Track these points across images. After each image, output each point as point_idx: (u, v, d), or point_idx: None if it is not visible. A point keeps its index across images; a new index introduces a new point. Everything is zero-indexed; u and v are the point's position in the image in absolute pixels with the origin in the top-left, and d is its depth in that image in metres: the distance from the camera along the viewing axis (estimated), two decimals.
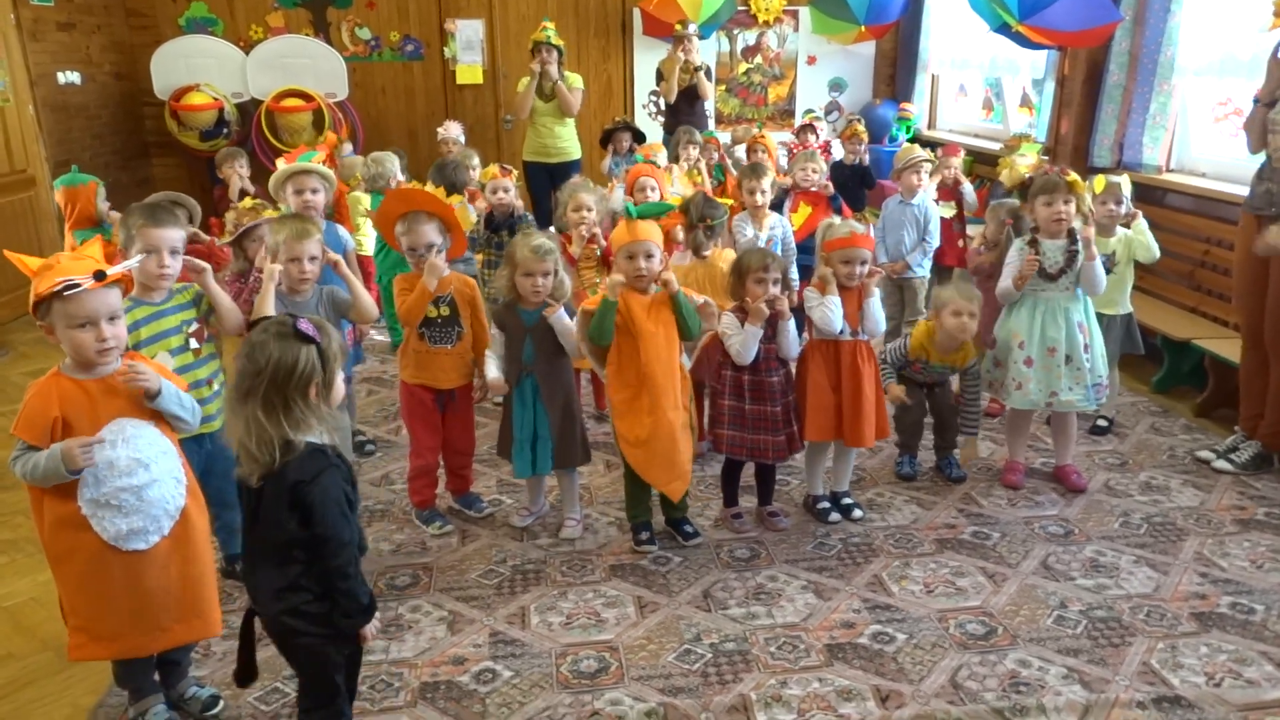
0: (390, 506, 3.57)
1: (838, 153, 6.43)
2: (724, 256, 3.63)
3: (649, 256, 2.96)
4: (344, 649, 1.96)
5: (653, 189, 4.29)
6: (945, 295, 3.50)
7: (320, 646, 1.91)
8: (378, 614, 1.98)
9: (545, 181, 6.16)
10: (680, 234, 3.87)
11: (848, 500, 3.45)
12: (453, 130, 6.20)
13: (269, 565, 1.85)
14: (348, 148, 5.96)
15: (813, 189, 5.04)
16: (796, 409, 3.25)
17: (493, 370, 3.17)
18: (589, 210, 4.03)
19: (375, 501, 3.62)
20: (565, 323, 3.08)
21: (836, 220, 3.39)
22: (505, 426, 3.23)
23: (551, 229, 4.30)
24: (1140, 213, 3.97)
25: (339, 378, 1.92)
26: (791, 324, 3.15)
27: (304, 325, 1.84)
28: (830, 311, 3.19)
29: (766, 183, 4.36)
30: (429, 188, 3.51)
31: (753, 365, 3.13)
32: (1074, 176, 3.44)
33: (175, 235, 2.66)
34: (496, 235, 4.30)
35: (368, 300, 3.05)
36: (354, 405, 4.13)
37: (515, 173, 4.47)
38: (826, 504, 3.42)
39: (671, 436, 2.97)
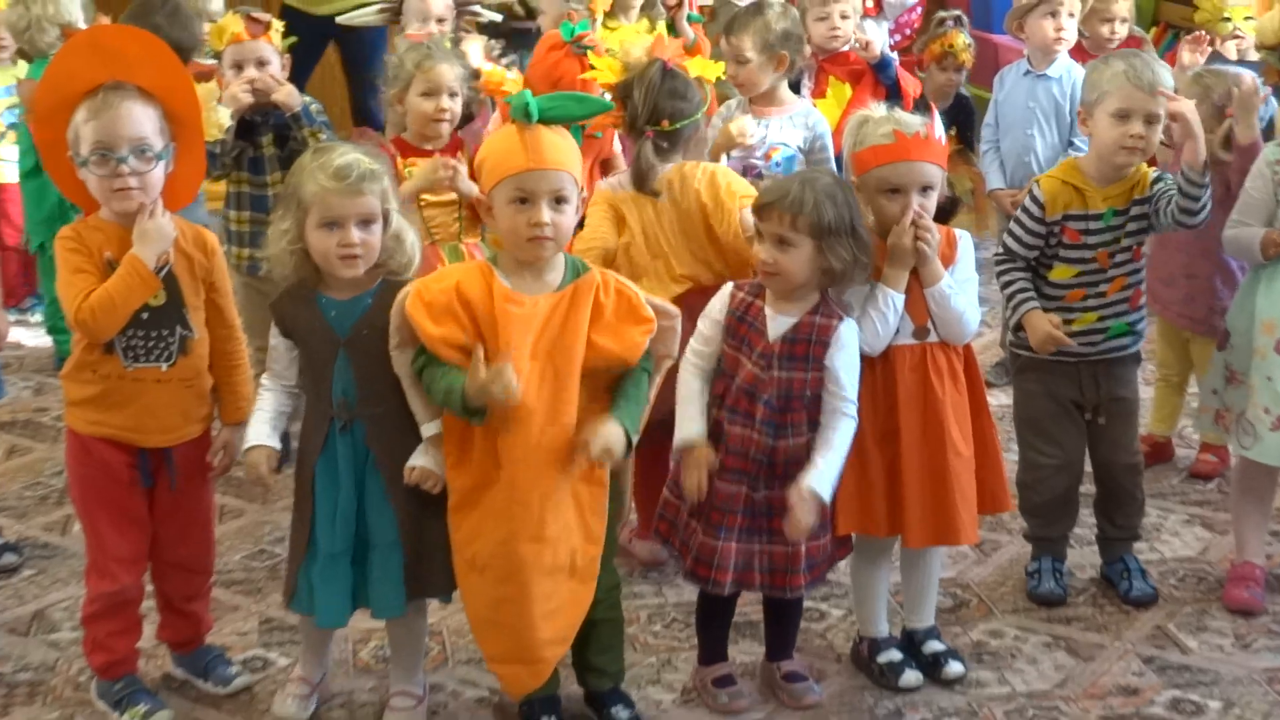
0: (48, 675, 3.49)
1: None
2: (701, 177, 3.66)
3: (559, 202, 2.94)
4: None
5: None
6: (1106, 77, 3.55)
7: None
8: None
9: (317, 47, 6.07)
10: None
11: (936, 645, 3.47)
12: None
13: None
14: None
15: (846, 49, 5.01)
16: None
17: (260, 429, 3.11)
18: (451, 95, 4.01)
19: (17, 666, 3.53)
20: None
21: (877, 110, 3.38)
22: (300, 527, 3.16)
23: (369, 135, 4.34)
24: None
25: None
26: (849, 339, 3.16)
27: None
28: (880, 319, 3.20)
29: (746, 43, 4.39)
30: None
31: (723, 388, 3.16)
32: None
33: None
34: (254, 147, 4.28)
35: None
36: None
37: (278, 29, 4.45)
38: (896, 654, 3.42)
39: (521, 583, 2.96)
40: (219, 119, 4.25)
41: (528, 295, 2.94)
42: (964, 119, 6.10)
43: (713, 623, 3.38)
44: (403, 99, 4.07)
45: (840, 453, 3.13)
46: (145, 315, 3.12)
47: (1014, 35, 5.26)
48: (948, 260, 3.25)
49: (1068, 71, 5.01)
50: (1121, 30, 5.46)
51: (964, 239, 3.32)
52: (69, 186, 3.20)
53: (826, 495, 3.09)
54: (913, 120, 3.25)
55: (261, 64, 4.31)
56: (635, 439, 3.01)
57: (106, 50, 3.14)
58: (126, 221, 3.10)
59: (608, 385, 3.03)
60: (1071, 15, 4.99)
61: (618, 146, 4.04)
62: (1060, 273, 3.61)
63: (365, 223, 3.02)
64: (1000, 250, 3.68)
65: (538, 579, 2.96)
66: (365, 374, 3.07)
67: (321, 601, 3.13)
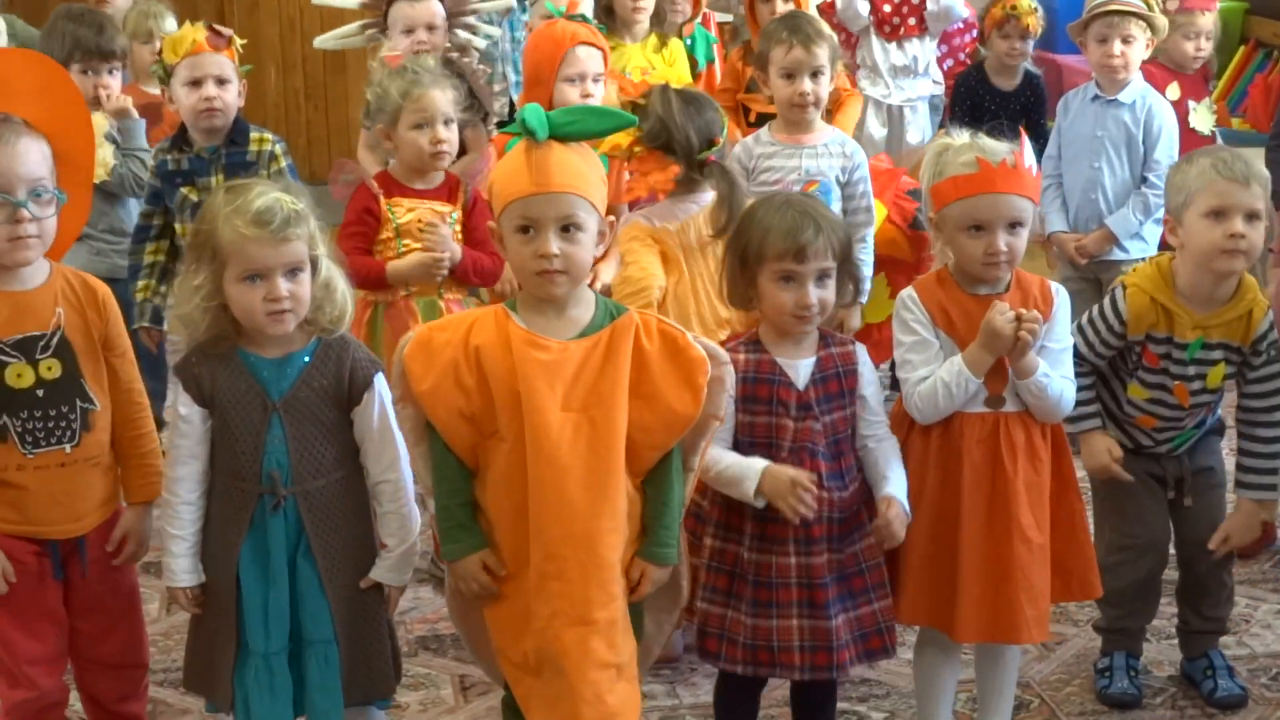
0: None
1: None
2: None
3: (568, 232, 2.84)
4: None
5: (590, 84, 4.41)
6: (1192, 175, 3.43)
7: None
8: None
9: None
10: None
11: None
12: None
13: None
14: None
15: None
16: (887, 565, 3.21)
17: (184, 563, 3.03)
18: (446, 123, 4.03)
19: None
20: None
21: (959, 136, 3.30)
22: (213, 625, 3.05)
23: (349, 168, 4.24)
24: None
25: None
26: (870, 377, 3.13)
27: None
28: (944, 393, 3.14)
29: (824, 54, 4.42)
30: None
31: (765, 458, 3.08)
32: None
33: None
34: (193, 186, 4.21)
35: None
36: None
37: (239, 48, 4.39)
38: None
39: (569, 675, 2.82)
40: (104, 156, 4.27)
41: (554, 339, 2.84)
42: (1034, 103, 6.00)
43: (735, 713, 3.30)
44: (391, 134, 4.05)
45: (902, 470, 3.16)
46: (40, 393, 3.03)
47: (1080, 48, 5.17)
48: (1018, 352, 3.13)
49: (1142, 97, 4.95)
50: (1207, 48, 5.39)
51: (1060, 294, 3.23)
52: None
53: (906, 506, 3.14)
54: (999, 147, 3.16)
55: (221, 82, 4.27)
56: (677, 555, 2.97)
57: None
58: (7, 282, 3.03)
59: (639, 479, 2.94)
60: (1129, 41, 4.88)
61: None
62: (1135, 391, 3.55)
63: (293, 272, 2.91)
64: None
65: (589, 671, 2.82)
66: (303, 443, 2.98)
67: (260, 710, 2.99)
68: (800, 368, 3.08)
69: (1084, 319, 3.58)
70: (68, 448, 3.07)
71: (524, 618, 2.85)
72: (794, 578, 3.07)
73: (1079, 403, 3.45)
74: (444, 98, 4.04)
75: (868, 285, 4.44)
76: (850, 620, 3.12)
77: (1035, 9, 6.00)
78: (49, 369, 3.04)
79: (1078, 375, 3.46)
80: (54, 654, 3.17)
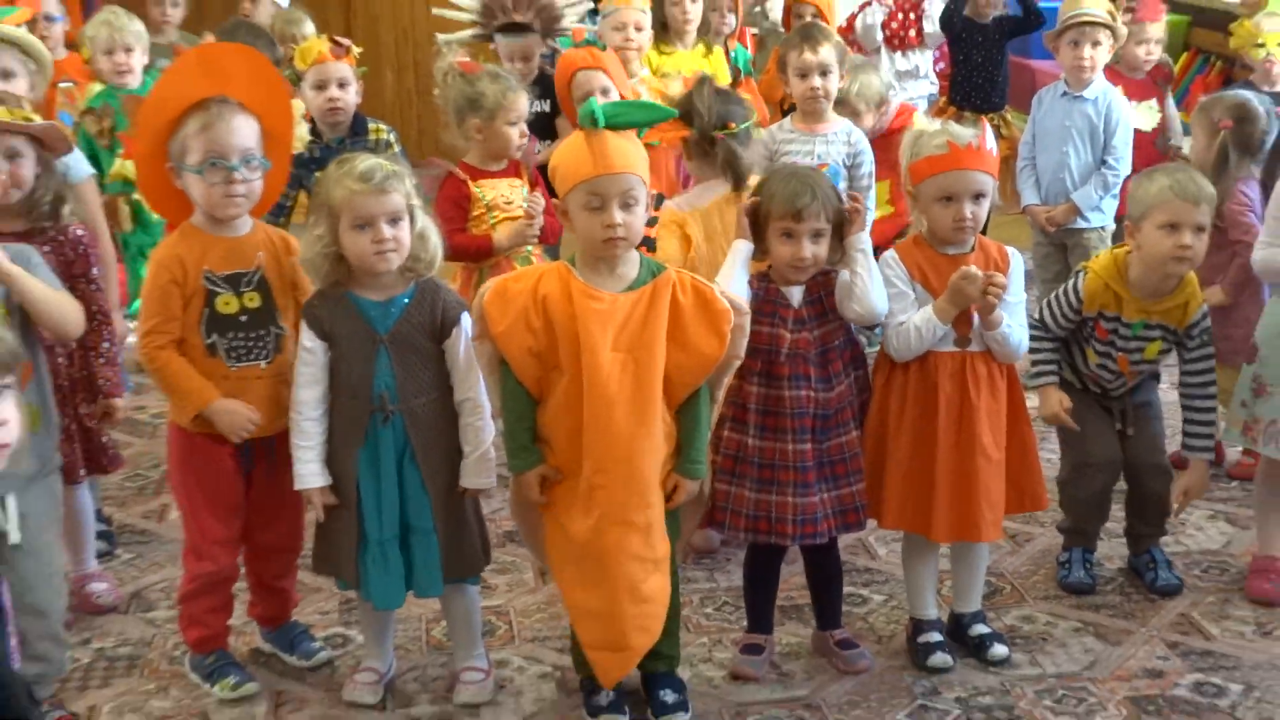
0: (145, 651, 3.61)
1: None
2: None
3: (628, 205, 3.01)
4: None
5: (606, 93, 4.58)
6: (1153, 192, 3.55)
7: None
8: None
9: None
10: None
11: (981, 629, 3.55)
12: None
13: None
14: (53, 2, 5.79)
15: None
16: (874, 483, 3.39)
17: (313, 467, 3.19)
18: (515, 118, 4.24)
19: (118, 641, 3.65)
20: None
21: (927, 123, 3.50)
22: (339, 518, 3.23)
23: (435, 164, 4.44)
24: None
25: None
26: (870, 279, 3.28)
27: None
28: (916, 336, 3.31)
29: (830, 55, 4.61)
30: None
31: (767, 362, 3.28)
32: None
33: None
34: (320, 165, 4.19)
35: (59, 306, 3.11)
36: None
37: (356, 54, 4.60)
38: (935, 636, 3.50)
39: (609, 567, 3.01)
40: (301, 133, 4.37)
41: (606, 292, 2.99)
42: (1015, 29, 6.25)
43: (759, 589, 3.48)
44: (485, 128, 4.22)
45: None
46: (244, 318, 3.24)
47: (1053, 53, 5.31)
48: (985, 312, 3.29)
49: (1103, 93, 5.11)
50: (1156, 52, 5.59)
51: (1015, 258, 3.39)
52: (158, 197, 3.36)
53: None
54: (965, 132, 3.33)
55: (343, 85, 4.51)
56: (705, 470, 3.14)
57: (214, 68, 3.25)
58: (221, 230, 3.24)
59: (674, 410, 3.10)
60: (1097, 45, 5.04)
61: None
62: (1090, 356, 3.72)
63: (394, 220, 3.08)
64: (1036, 319, 3.71)
65: (625, 563, 2.99)
66: (405, 369, 3.16)
67: (376, 586, 3.20)
68: (795, 292, 3.29)
69: (1051, 296, 3.77)
70: (263, 364, 3.26)
71: (568, 517, 3.05)
72: (790, 461, 3.27)
73: (1041, 362, 3.71)
74: (525, 100, 4.29)
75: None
76: (832, 499, 3.32)
77: None
78: (251, 299, 3.25)
79: (1044, 340, 3.71)
80: (234, 537, 3.38)
